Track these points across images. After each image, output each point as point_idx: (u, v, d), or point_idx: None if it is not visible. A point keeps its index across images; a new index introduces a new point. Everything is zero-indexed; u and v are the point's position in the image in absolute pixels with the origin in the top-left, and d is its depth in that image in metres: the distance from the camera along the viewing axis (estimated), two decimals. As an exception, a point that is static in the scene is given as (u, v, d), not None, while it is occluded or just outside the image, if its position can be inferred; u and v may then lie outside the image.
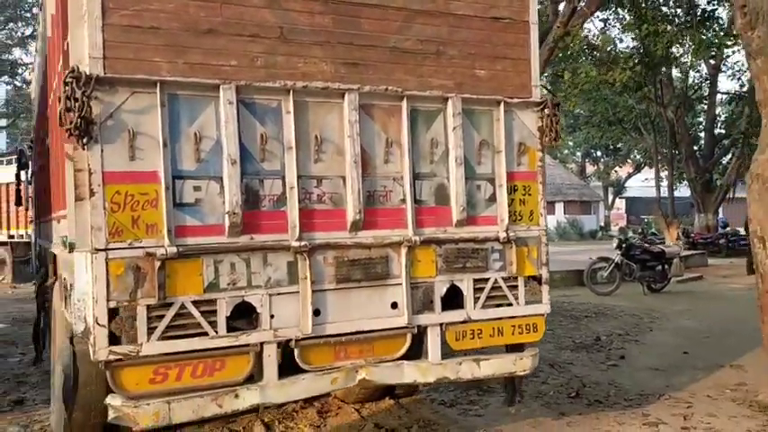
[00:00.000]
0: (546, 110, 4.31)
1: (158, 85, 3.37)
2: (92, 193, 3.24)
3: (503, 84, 4.25)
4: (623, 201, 47.98)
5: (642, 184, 41.36)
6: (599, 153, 44.24)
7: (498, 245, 4.19)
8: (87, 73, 3.21)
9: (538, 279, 4.36)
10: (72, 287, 3.72)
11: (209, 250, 3.48)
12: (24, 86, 30.80)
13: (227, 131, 3.50)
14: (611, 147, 37.79)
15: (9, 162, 19.03)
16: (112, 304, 3.26)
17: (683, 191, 29.04)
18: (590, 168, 47.69)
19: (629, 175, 44.00)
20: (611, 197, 46.10)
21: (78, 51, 3.32)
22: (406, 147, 3.95)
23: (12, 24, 28.87)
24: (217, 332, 3.48)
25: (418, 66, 4.02)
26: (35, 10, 28.62)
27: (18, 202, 12.42)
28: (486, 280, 4.17)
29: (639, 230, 17.58)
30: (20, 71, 30.39)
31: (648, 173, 39.39)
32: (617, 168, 44.57)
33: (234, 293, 3.53)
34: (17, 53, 29.79)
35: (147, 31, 3.39)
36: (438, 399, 5.78)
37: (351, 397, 5.52)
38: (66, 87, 3.20)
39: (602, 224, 40.34)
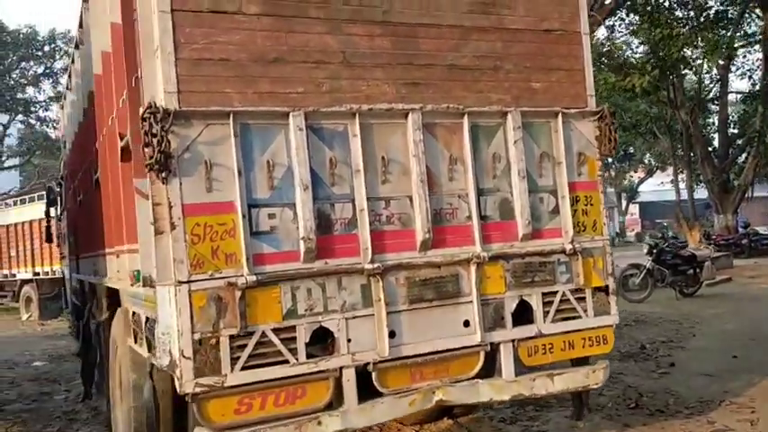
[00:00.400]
0: (603, 119, 4.31)
1: (231, 115, 3.39)
2: (173, 227, 3.26)
3: (559, 95, 4.26)
4: (636, 206, 47.86)
5: (655, 188, 41.26)
6: (610, 159, 44.16)
7: (564, 257, 4.17)
8: (165, 108, 3.24)
9: (605, 290, 4.33)
10: (148, 321, 3.74)
11: (287, 277, 3.48)
12: (38, 124, 31.18)
13: (298, 158, 3.51)
14: (624, 152, 37.73)
15: (31, 200, 19.21)
16: (197, 336, 3.26)
17: (700, 193, 28.90)
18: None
19: (642, 180, 43.92)
20: (624, 203, 45.98)
21: (152, 86, 3.36)
22: (469, 163, 3.95)
23: (24, 63, 29.24)
24: (297, 359, 3.47)
25: (476, 82, 4.04)
26: (46, 48, 29.06)
27: (48, 239, 12.52)
28: (555, 293, 4.15)
29: (660, 235, 17.45)
30: (32, 109, 30.71)
31: (661, 177, 39.33)
32: (631, 173, 44.49)
33: (311, 319, 3.53)
34: (30, 91, 30.12)
35: (218, 63, 3.43)
36: (497, 416, 5.73)
37: (409, 418, 5.47)
38: (144, 123, 3.23)
39: (618, 230, 40.19)
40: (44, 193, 18.94)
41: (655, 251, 12.93)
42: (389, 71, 3.82)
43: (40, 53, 29.08)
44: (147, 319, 3.77)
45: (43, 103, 30.58)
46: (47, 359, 11.05)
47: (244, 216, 3.39)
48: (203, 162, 3.35)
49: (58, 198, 12.16)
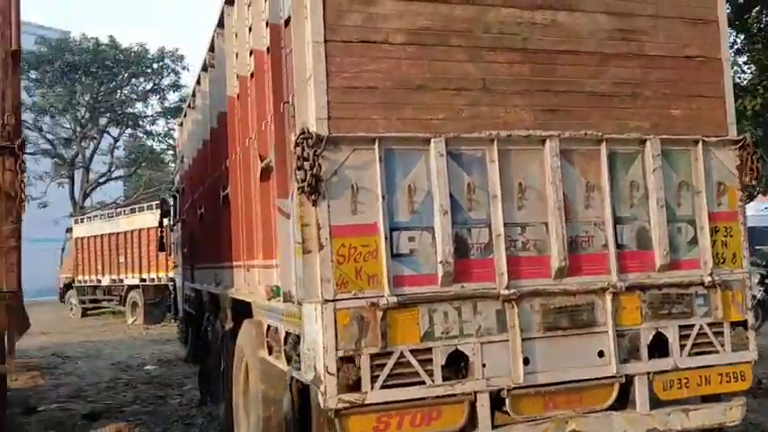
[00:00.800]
0: (745, 147, 4.16)
1: (377, 141, 3.50)
2: (321, 247, 3.39)
3: (698, 123, 4.14)
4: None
5: (757, 212, 38.97)
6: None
7: (702, 289, 4.03)
8: (317, 133, 3.39)
9: (743, 324, 4.16)
10: (289, 335, 3.89)
11: (425, 299, 3.54)
12: (144, 137, 32.96)
13: (438, 183, 3.58)
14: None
15: (140, 210, 20.33)
16: (341, 353, 3.37)
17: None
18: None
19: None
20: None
21: (304, 113, 3.52)
22: (607, 191, 3.90)
23: (134, 80, 31.05)
24: (433, 381, 3.52)
25: (614, 108, 4.00)
26: (155, 66, 30.73)
27: (161, 248, 13.21)
28: (692, 326, 4.01)
29: (764, 263, 16.43)
30: (140, 123, 32.50)
31: (764, 201, 37.09)
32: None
33: (447, 342, 3.56)
34: (139, 106, 31.93)
35: (365, 90, 3.56)
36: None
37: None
38: (297, 147, 3.39)
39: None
40: (152, 203, 20.11)
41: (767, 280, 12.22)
42: (528, 98, 3.84)
43: (149, 70, 30.80)
44: (288, 333, 3.92)
45: (150, 118, 32.30)
46: (156, 363, 11.61)
47: (386, 238, 3.48)
48: (350, 185, 3.47)
49: (171, 210, 12.84)
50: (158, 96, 31.69)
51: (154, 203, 20.53)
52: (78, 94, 28.84)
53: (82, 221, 23.14)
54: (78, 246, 22.13)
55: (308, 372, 3.45)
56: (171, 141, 32.76)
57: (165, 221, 12.79)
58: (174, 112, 32.01)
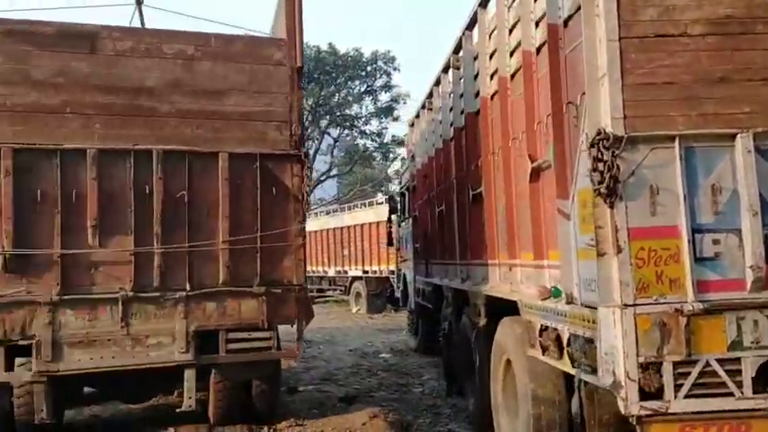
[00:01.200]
0: None
1: (677, 139, 3.35)
2: (618, 250, 3.32)
3: None
4: None
5: None
6: None
7: None
8: (614, 134, 3.32)
9: None
10: (574, 338, 3.87)
11: (732, 306, 3.32)
12: (359, 137, 34.86)
13: (745, 181, 3.33)
14: None
15: (363, 205, 21.57)
16: (641, 359, 3.28)
17: None
18: None
19: None
20: None
21: (596, 113, 3.47)
22: None
23: (350, 83, 32.92)
24: (742, 393, 3.29)
25: None
26: (368, 68, 32.33)
27: (390, 243, 13.91)
28: None
29: None
30: (356, 124, 34.40)
31: None
32: None
33: (758, 352, 3.31)
34: (354, 108, 33.81)
35: (661, 86, 3.41)
36: None
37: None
38: (593, 149, 3.35)
39: None
40: (372, 200, 21.25)
41: None
42: None
43: (363, 73, 32.45)
44: (573, 335, 3.90)
45: (363, 118, 34.05)
46: (390, 352, 12.22)
47: (688, 241, 3.32)
48: (648, 186, 3.35)
49: (398, 206, 13.45)
50: (371, 97, 33.28)
51: (374, 200, 21.73)
52: (304, 98, 31.31)
53: (308, 217, 25.06)
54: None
55: (606, 377, 3.40)
56: (383, 141, 34.37)
57: (393, 217, 13.43)
58: (385, 112, 33.52)
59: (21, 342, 5.08)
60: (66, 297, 5.17)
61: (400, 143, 34.29)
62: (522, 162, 4.80)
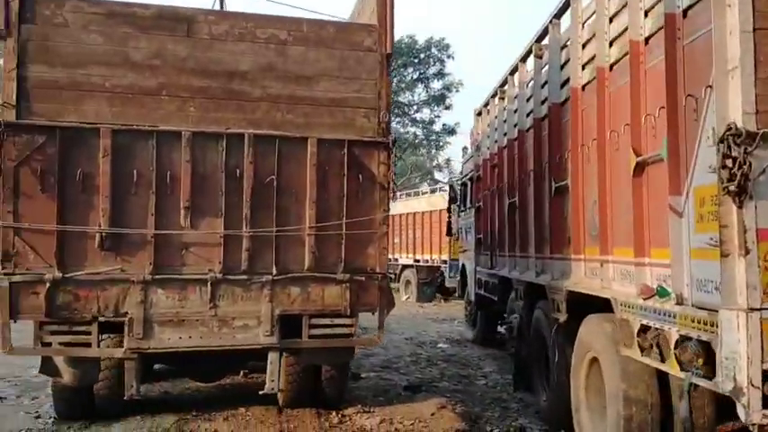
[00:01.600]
0: None
1: (813, 136, 3.18)
2: (746, 251, 3.17)
3: None
4: None
5: None
6: None
7: None
8: (746, 130, 3.17)
9: None
10: (683, 339, 3.74)
11: None
12: (410, 124, 34.78)
13: None
14: None
15: (416, 194, 21.49)
16: (765, 366, 3.14)
17: None
18: None
19: None
20: None
21: (725, 107, 3.31)
22: None
23: (403, 70, 32.80)
24: None
25: None
26: (422, 56, 32.16)
27: (449, 233, 13.83)
28: None
29: None
30: (407, 111, 34.31)
31: None
32: None
33: None
34: (407, 95, 33.70)
35: (797, 80, 3.24)
36: None
37: None
38: (721, 144, 3.21)
39: None
40: (421, 189, 21.16)
41: None
42: None
43: (416, 60, 32.29)
44: (683, 337, 3.77)
45: (415, 106, 33.94)
46: (446, 342, 12.17)
47: (824, 243, 3.16)
48: (780, 185, 3.20)
49: (458, 196, 13.33)
50: (423, 85, 33.10)
51: (427, 189, 21.63)
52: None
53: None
54: (357, 226, 24.05)
55: (726, 382, 3.27)
56: (433, 129, 34.21)
57: (453, 207, 13.33)
58: (437, 100, 33.31)
59: (113, 319, 5.18)
60: (157, 276, 5.25)
61: (450, 132, 34.13)
62: (621, 156, 4.65)
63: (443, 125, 33.98)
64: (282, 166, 5.44)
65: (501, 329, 11.55)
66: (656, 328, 4.12)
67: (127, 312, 5.18)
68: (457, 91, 33.44)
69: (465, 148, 14.08)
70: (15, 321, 5.15)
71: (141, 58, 5.26)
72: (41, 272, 5.12)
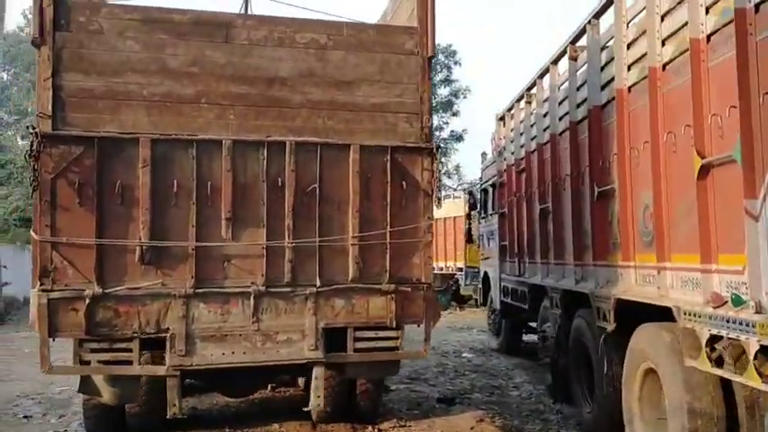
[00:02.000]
0: None
1: None
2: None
3: None
4: None
5: None
6: None
7: None
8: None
9: None
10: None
11: None
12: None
13: None
14: None
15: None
16: None
17: None
18: None
19: None
20: None
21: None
22: None
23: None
24: None
25: None
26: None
27: (469, 240, 13.65)
28: None
29: None
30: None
31: None
32: None
33: None
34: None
35: None
36: None
37: None
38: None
39: None
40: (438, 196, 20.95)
41: None
42: None
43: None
44: (763, 347, 3.60)
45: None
46: (470, 351, 11.97)
47: None
48: None
49: (478, 203, 13.17)
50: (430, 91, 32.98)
51: (440, 196, 21.41)
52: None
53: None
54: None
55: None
56: (441, 135, 33.99)
57: (473, 213, 13.16)
58: (444, 107, 33.12)
59: (154, 336, 5.00)
60: (199, 290, 5.07)
61: (458, 138, 33.92)
62: (679, 158, 4.50)
63: (451, 132, 33.78)
64: (324, 173, 5.27)
65: (526, 338, 11.39)
66: (730, 338, 3.95)
67: (168, 328, 5.00)
68: (464, 97, 33.30)
69: (484, 154, 13.92)
70: (54, 339, 4.97)
71: (179, 65, 5.10)
72: (80, 288, 4.94)
